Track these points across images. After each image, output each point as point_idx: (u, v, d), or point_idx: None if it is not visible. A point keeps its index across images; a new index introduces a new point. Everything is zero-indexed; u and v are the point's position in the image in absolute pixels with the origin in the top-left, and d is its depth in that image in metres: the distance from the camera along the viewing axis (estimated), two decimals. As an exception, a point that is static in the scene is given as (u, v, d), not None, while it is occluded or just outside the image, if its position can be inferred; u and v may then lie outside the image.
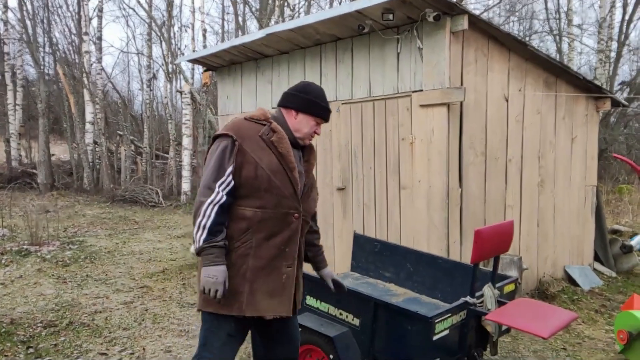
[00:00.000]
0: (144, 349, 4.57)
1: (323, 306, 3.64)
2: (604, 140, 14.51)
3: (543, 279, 6.25)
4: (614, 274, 7.15)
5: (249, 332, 2.85)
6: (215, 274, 2.48)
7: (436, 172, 5.00)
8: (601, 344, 4.76)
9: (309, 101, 2.71)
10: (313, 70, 6.07)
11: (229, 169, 2.54)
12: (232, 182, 2.55)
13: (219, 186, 2.53)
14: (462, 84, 5.00)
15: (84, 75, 17.30)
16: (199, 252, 2.54)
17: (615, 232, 9.51)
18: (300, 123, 2.73)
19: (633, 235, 9.40)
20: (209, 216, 2.50)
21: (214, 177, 2.54)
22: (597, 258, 7.37)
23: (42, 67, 18.79)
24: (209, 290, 2.49)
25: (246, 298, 2.58)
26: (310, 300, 3.72)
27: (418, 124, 5.12)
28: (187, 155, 15.15)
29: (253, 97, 6.87)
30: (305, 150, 2.87)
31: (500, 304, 3.50)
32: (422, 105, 5.05)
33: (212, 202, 2.51)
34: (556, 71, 6.15)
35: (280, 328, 2.81)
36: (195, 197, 2.58)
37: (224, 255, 2.54)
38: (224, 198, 2.53)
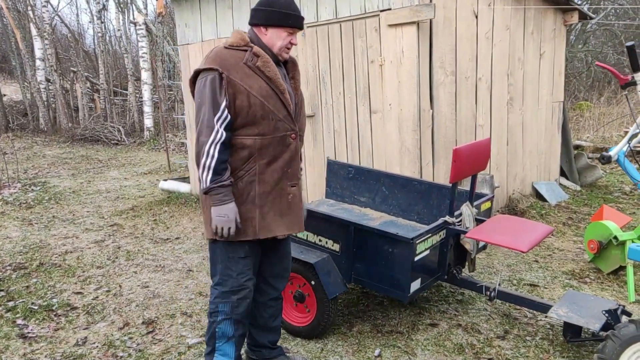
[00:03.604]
0: (120, 286, 4.51)
1: (302, 234, 3.60)
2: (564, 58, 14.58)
3: (512, 195, 6.36)
4: (578, 188, 7.33)
5: None
6: (226, 213, 2.53)
7: (407, 94, 4.91)
8: (570, 254, 4.91)
9: (275, 12, 2.57)
10: (275, -8, 5.76)
11: (223, 104, 2.49)
12: (229, 117, 2.51)
13: (217, 123, 2.49)
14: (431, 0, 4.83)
15: (29, 8, 16.29)
16: (206, 192, 2.55)
17: (577, 147, 9.70)
18: (272, 38, 2.62)
19: (595, 149, 9.63)
20: (213, 156, 2.49)
21: (212, 114, 2.49)
22: (562, 173, 7.53)
23: (-18, 2, 17.58)
24: (222, 228, 2.54)
25: (258, 222, 2.64)
26: (288, 229, 3.67)
27: (387, 45, 4.97)
28: (147, 90, 14.64)
29: (213, 24, 6.55)
30: (289, 67, 2.79)
31: (478, 221, 3.53)
32: (390, 25, 4.89)
33: (213, 141, 2.49)
34: (525, -16, 6.01)
35: (280, 246, 2.91)
36: (197, 137, 2.53)
37: (232, 193, 2.57)
38: (224, 135, 2.51)
